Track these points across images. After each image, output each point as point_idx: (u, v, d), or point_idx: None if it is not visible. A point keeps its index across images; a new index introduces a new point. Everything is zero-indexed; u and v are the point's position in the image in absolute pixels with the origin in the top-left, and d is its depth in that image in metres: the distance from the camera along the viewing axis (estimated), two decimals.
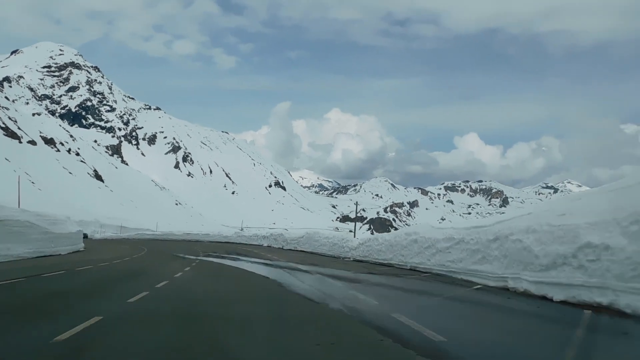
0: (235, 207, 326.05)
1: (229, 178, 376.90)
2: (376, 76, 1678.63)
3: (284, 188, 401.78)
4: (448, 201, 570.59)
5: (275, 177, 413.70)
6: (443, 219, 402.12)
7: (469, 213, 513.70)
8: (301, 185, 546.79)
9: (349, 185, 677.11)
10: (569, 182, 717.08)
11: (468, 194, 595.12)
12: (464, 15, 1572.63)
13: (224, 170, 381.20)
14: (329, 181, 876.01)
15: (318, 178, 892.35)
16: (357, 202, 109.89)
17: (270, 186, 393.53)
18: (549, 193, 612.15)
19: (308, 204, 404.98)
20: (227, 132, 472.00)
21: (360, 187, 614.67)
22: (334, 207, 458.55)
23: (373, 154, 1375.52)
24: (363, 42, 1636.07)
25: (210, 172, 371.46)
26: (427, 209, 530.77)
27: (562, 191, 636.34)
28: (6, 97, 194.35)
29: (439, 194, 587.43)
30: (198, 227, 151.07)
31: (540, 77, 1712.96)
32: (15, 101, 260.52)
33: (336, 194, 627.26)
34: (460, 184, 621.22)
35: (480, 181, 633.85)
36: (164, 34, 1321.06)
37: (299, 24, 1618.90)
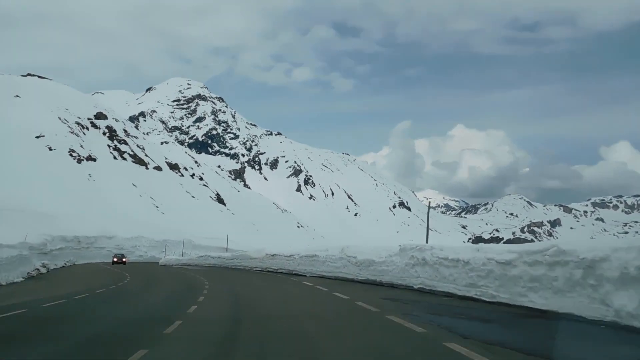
0: (358, 229, 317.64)
1: (351, 200, 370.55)
2: (503, 87, 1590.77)
3: (408, 208, 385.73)
4: (597, 219, 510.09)
5: (399, 198, 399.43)
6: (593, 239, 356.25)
7: (626, 232, 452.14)
8: (426, 206, 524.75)
9: (478, 204, 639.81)
10: None
11: (623, 211, 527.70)
12: (605, 10, 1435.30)
13: (345, 192, 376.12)
14: (456, 200, 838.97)
15: (444, 198, 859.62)
16: None
17: (394, 207, 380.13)
18: None
19: (435, 225, 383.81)
20: (347, 154, 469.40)
21: (492, 205, 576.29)
22: (463, 227, 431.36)
23: (503, 171, 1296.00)
24: (487, 52, 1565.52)
25: (332, 194, 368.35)
26: (572, 228, 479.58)
27: None
28: (135, 127, 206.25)
29: (585, 212, 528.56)
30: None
31: None
32: (148, 133, 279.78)
33: (465, 213, 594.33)
34: (611, 199, 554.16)
35: (638, 196, 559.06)
36: (283, 63, 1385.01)
37: (417, 41, 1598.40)
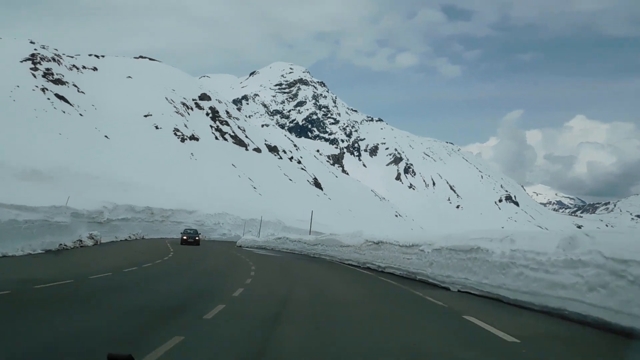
0: (460, 222, 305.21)
1: (453, 191, 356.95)
2: (636, 74, 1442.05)
3: (516, 203, 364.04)
4: None
5: (506, 191, 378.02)
6: None
7: None
8: (536, 202, 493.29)
9: (597, 203, 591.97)
10: None
11: None
12: None
13: (447, 183, 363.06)
14: (571, 198, 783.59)
15: (556, 194, 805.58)
16: None
17: (500, 201, 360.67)
18: None
19: (546, 223, 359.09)
20: (451, 143, 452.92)
21: (614, 205, 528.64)
22: (578, 227, 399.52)
23: (630, 167, 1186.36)
24: (617, 34, 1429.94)
25: (433, 184, 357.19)
26: None
27: None
28: (238, 110, 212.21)
29: None
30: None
31: None
32: (250, 116, 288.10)
33: (581, 212, 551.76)
34: None
35: None
36: (387, 48, 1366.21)
37: (534, 23, 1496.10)
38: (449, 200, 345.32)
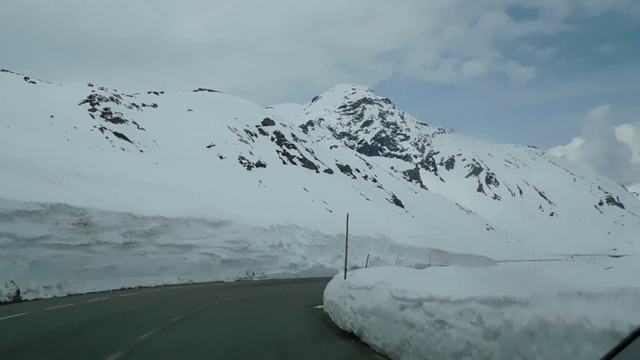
0: (557, 230, 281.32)
1: (544, 197, 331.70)
2: None
3: (621, 205, 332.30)
4: None
5: (606, 193, 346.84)
6: None
7: None
8: None
9: None
10: None
11: None
12: None
13: (536, 190, 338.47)
14: None
15: None
16: None
17: (600, 204, 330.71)
18: None
19: None
20: (534, 147, 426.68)
21: None
22: None
23: None
24: None
25: (520, 192, 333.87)
26: None
27: None
28: (304, 132, 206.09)
29: None
30: (523, 254, 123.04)
31: None
32: (318, 141, 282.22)
33: None
34: None
35: None
36: (451, 59, 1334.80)
37: (612, 11, 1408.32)
38: (540, 208, 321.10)
